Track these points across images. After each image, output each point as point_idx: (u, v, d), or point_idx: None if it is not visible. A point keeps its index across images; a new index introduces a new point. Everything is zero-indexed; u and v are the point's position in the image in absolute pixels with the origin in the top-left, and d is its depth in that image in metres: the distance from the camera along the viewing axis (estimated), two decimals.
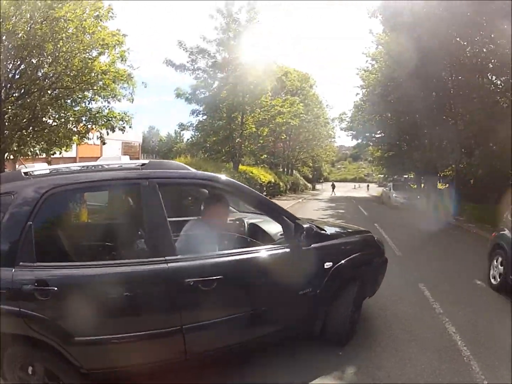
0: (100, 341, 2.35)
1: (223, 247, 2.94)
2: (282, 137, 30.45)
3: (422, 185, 28.27)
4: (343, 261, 3.23)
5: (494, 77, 14.31)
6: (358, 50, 77.74)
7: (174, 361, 2.63)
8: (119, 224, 3.36)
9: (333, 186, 42.13)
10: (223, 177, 3.03)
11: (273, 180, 25.43)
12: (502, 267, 5.35)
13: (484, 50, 13.32)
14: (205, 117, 20.60)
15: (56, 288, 2.24)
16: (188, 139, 29.25)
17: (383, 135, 31.89)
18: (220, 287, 2.55)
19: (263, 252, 2.90)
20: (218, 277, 2.54)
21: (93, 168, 2.90)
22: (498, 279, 5.42)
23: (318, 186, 60.60)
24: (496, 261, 5.60)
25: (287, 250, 2.95)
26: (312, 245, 3.05)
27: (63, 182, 2.54)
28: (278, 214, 3.09)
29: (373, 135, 32.48)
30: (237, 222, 3.86)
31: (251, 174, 20.95)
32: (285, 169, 39.80)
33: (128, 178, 2.76)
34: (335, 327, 3.31)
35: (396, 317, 4.34)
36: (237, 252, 2.82)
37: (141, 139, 38.20)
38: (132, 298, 2.43)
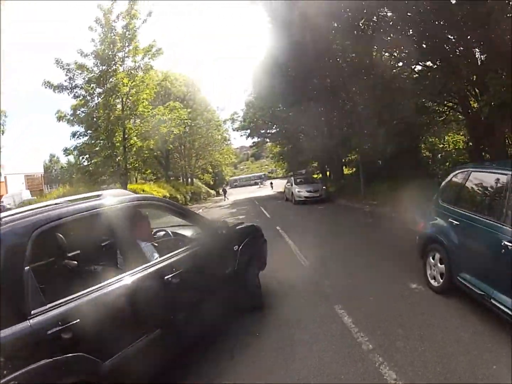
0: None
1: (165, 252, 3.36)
2: (169, 147, 28.23)
3: (328, 173, 28.45)
4: (243, 244, 4.25)
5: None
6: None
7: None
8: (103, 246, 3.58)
9: (271, 184, 41.76)
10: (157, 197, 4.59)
11: (168, 194, 23.40)
12: (442, 266, 4.31)
13: None
14: (86, 138, 18.45)
15: (78, 320, 2.28)
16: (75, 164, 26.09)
17: (277, 129, 31.81)
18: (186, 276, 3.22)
19: (199, 242, 3.78)
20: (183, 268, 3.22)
21: (57, 204, 2.84)
22: (441, 280, 4.35)
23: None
24: (433, 258, 4.56)
25: (213, 237, 3.93)
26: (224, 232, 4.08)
27: (47, 219, 2.50)
28: (198, 219, 4.07)
29: (268, 131, 32.14)
30: (163, 232, 4.29)
31: (141, 192, 18.32)
32: (184, 180, 37.53)
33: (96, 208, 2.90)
34: (252, 293, 4.38)
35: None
36: (182, 250, 3.46)
37: (43, 169, 35.05)
38: (134, 306, 2.73)
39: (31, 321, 2.09)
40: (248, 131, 32.13)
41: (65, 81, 16.61)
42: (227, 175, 57.41)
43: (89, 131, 17.66)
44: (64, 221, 2.61)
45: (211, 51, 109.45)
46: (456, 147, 15.33)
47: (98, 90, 17.20)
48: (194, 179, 40.77)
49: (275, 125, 31.11)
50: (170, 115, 18.36)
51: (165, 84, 27.56)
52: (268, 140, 33.52)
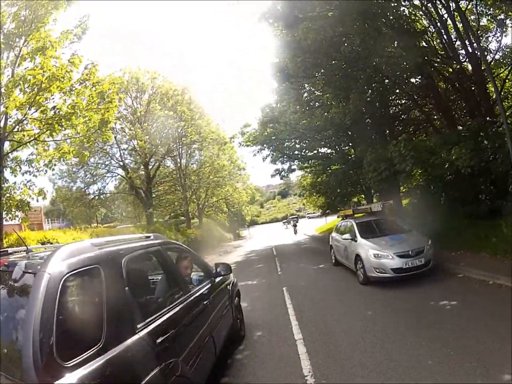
0: None
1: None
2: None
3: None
4: (231, 283, 5.59)
5: None
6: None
7: None
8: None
9: (295, 226, 33.39)
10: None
11: None
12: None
13: None
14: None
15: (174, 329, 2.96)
16: None
17: (308, 152, 22.99)
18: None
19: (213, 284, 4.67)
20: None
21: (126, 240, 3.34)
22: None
23: (245, 233, 50.32)
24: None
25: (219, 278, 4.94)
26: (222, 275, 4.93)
27: (131, 249, 3.04)
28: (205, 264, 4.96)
29: (296, 152, 23.22)
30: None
31: None
32: (187, 220, 28.81)
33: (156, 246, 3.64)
34: (240, 326, 5.71)
35: None
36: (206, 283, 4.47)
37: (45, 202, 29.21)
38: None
39: (140, 333, 2.46)
40: (259, 146, 23.21)
41: None
42: (247, 214, 47.15)
43: None
44: (141, 252, 3.22)
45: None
46: None
47: None
48: (202, 220, 31.95)
49: (304, 146, 22.51)
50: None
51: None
52: (295, 164, 24.33)
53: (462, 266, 7.86)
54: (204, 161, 27.68)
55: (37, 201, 9.20)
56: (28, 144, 9.05)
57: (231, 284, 5.62)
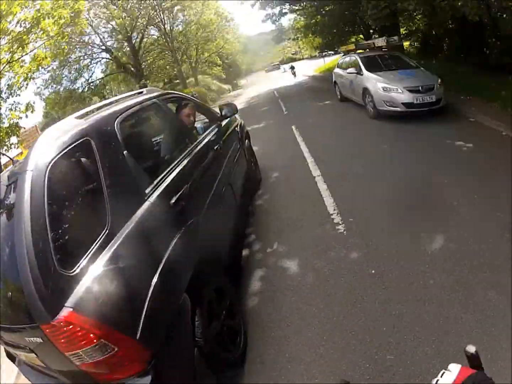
0: None
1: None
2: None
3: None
4: (238, 125, 5.14)
5: None
6: None
7: None
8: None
9: (292, 68, 32.29)
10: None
11: None
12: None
13: None
14: None
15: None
16: None
17: None
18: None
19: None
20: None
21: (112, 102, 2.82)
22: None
23: (243, 82, 49.31)
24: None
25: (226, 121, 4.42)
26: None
27: (125, 108, 2.58)
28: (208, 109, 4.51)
29: None
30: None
31: None
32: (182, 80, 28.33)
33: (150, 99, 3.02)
34: (255, 169, 5.66)
35: None
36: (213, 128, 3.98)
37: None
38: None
39: (150, 199, 2.12)
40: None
41: None
42: (242, 63, 44.99)
43: None
44: (135, 110, 2.69)
45: None
46: None
47: None
48: (198, 77, 31.27)
49: None
50: None
51: None
52: (286, 9, 22.58)
53: (474, 111, 7.38)
54: (189, 21, 25.67)
55: (26, 116, 9.06)
56: (3, 71, 8.70)
57: (239, 126, 5.08)
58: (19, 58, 8.94)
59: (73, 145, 1.86)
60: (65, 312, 1.43)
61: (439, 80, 7.61)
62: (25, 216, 1.49)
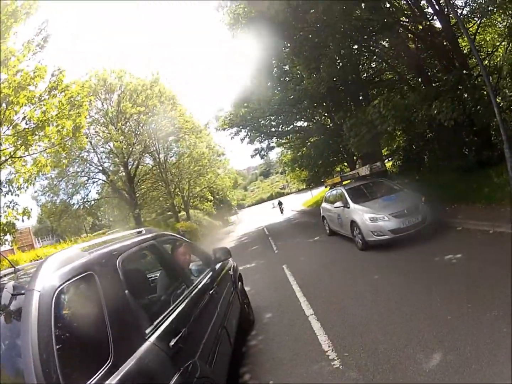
0: None
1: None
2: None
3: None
4: (231, 268, 5.34)
5: None
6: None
7: None
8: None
9: (280, 204, 33.23)
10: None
11: None
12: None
13: None
14: None
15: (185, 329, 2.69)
16: None
17: (284, 128, 22.87)
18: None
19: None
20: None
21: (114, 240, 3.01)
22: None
23: (233, 218, 50.31)
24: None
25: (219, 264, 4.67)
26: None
27: (125, 248, 2.72)
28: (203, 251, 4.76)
29: (273, 129, 23.06)
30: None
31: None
32: (175, 213, 28.63)
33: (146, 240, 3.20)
34: (248, 310, 5.52)
35: None
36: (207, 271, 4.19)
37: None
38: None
39: (150, 339, 2.20)
40: (238, 128, 23.03)
41: None
42: (233, 199, 46.63)
43: None
44: (135, 250, 2.87)
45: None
46: None
47: None
48: (190, 212, 31.57)
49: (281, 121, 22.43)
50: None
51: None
52: (273, 140, 24.26)
53: (460, 218, 7.79)
54: (182, 152, 27.32)
55: (23, 221, 9.02)
56: (5, 163, 8.77)
57: (232, 269, 5.34)
58: (22, 156, 9.10)
59: (78, 277, 1.99)
60: None
61: (423, 198, 8.06)
62: (32, 333, 1.56)
